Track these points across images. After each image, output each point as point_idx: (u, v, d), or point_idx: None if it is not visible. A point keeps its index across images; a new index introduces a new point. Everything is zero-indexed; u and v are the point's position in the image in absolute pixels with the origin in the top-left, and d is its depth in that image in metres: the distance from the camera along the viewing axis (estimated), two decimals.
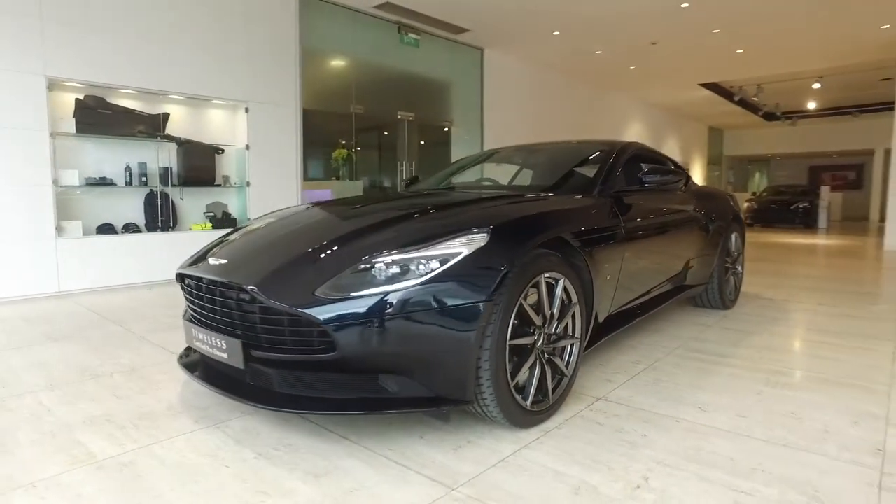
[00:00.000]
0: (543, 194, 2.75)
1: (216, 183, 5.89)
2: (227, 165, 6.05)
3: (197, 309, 2.12)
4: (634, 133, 14.34)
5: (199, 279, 2.09)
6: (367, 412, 1.81)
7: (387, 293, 1.76)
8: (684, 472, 1.76)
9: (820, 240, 10.85)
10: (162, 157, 5.49)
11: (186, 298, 2.22)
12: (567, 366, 2.21)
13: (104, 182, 5.12)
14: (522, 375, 1.98)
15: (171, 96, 5.49)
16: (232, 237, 2.46)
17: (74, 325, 3.69)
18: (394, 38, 7.67)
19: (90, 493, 1.60)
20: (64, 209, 4.94)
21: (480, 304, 1.78)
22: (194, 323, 2.11)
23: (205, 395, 2.36)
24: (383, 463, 1.79)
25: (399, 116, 7.86)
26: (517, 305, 1.90)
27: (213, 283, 2.01)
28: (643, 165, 2.93)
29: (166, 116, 5.50)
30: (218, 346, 1.96)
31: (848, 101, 14.12)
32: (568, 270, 2.16)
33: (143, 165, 5.34)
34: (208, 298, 2.04)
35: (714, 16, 7.37)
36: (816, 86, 11.09)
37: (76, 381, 2.57)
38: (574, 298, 2.21)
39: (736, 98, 12.61)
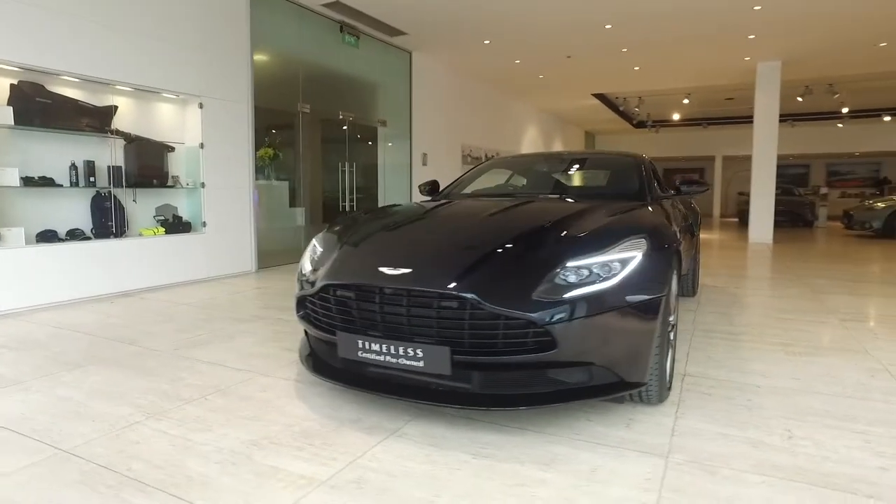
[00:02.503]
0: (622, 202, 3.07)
1: (168, 184, 5.37)
2: (175, 165, 5.53)
3: (365, 320, 2.10)
4: (530, 137, 15.39)
5: (373, 289, 2.07)
6: (572, 400, 2.00)
7: (591, 293, 1.95)
8: (809, 422, 2.19)
9: None
10: (108, 154, 4.88)
11: (337, 310, 2.17)
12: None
13: (45, 182, 4.44)
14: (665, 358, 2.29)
15: (117, 87, 4.90)
16: (362, 240, 2.44)
17: (75, 348, 3.24)
18: (335, 37, 7.51)
19: None
20: None
21: (660, 298, 2.06)
22: (361, 334, 2.09)
23: (341, 407, 2.31)
24: (587, 445, 1.98)
25: (341, 116, 7.72)
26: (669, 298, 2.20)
27: (401, 291, 2.02)
28: (676, 176, 3.38)
29: (114, 109, 4.90)
30: (409, 356, 1.98)
31: (699, 115, 16.56)
32: (677, 266, 2.51)
33: (90, 164, 4.71)
34: (390, 308, 2.04)
35: (628, 37, 8.30)
36: (686, 101, 12.90)
37: (173, 407, 2.35)
38: (676, 290, 2.57)
39: (621, 108, 14.15)
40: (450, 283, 1.96)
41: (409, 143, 9.43)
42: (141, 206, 5.26)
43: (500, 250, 2.13)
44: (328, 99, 7.51)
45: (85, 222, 4.81)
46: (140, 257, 5.00)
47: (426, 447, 1.97)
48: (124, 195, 5.01)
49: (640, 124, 17.04)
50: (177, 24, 5.26)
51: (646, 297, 2.04)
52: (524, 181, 3.92)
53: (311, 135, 7.27)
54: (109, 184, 4.84)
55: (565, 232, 2.24)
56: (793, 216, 14.97)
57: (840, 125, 15.58)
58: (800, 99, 11.41)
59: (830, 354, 3.15)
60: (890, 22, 7.59)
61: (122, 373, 2.80)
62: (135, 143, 5.03)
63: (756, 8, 6.82)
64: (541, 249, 2.12)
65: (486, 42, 8.67)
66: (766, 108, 9.63)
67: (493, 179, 4.16)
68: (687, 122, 17.12)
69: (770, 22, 7.44)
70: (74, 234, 4.68)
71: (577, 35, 8.24)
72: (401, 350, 2.00)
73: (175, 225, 5.41)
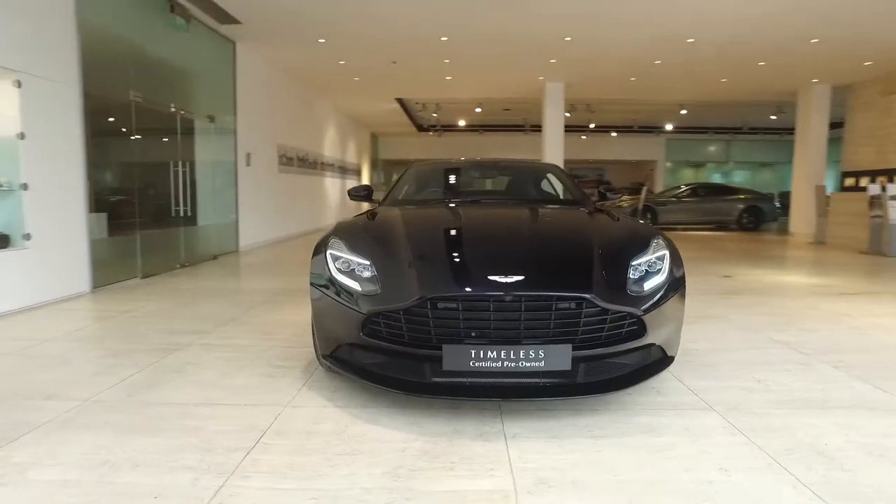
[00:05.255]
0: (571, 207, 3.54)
1: None
2: None
3: (472, 329, 2.13)
4: (330, 137, 15.20)
5: (486, 297, 2.11)
6: (648, 378, 2.38)
7: (657, 285, 2.37)
8: (755, 369, 2.96)
9: None
10: None
11: (440, 322, 2.14)
12: None
13: None
14: None
15: None
16: (436, 249, 2.45)
17: None
18: (166, 19, 6.45)
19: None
20: None
21: (685, 280, 2.57)
22: (471, 345, 2.11)
23: (424, 423, 2.27)
24: (654, 413, 2.38)
25: (172, 109, 6.66)
26: None
27: (519, 297, 2.11)
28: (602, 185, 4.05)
29: None
30: (530, 357, 2.10)
31: (478, 122, 18.63)
32: None
33: None
34: (502, 314, 2.11)
35: (455, 50, 8.99)
36: (478, 109, 14.41)
37: (238, 459, 1.99)
38: None
39: (419, 113, 15.02)
40: (568, 286, 2.16)
41: (234, 142, 8.59)
42: None
43: (589, 253, 2.39)
44: (159, 89, 6.42)
45: None
46: None
47: (550, 441, 2.12)
48: None
49: (430, 128, 18.34)
50: None
51: (681, 282, 2.53)
52: (460, 186, 4.14)
53: (140, 127, 6.09)
54: None
55: (615, 235, 2.61)
56: None
57: (584, 137, 19.28)
58: (567, 115, 13.82)
59: (707, 321, 4.16)
60: (639, 64, 9.83)
61: (95, 435, 2.19)
62: None
63: (567, 39, 8.17)
64: (609, 250, 2.46)
65: (322, 41, 8.43)
66: (554, 121, 11.47)
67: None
68: (468, 128, 19.06)
69: (570, 51, 8.94)
70: None
71: (410, 42, 8.59)
72: (521, 354, 2.10)
73: None
